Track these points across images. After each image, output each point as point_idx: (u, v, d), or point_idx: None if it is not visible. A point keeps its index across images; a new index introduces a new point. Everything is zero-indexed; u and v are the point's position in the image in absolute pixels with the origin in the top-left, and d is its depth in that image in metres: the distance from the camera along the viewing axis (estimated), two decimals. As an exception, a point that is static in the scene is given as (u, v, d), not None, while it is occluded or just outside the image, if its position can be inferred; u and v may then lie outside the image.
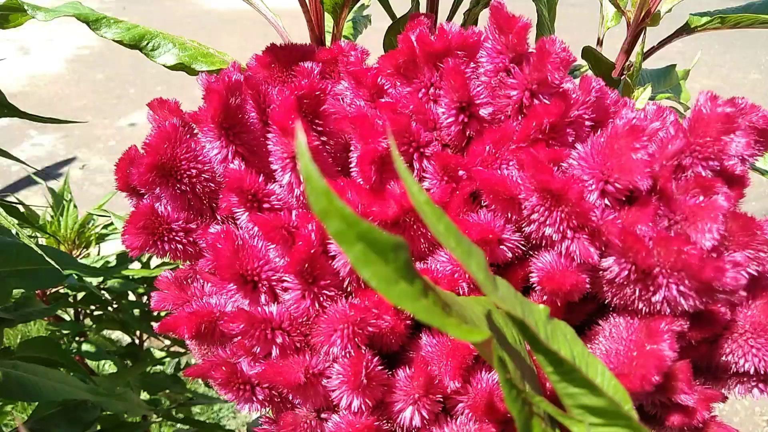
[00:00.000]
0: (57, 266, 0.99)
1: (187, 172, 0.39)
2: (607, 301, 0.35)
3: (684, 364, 0.35)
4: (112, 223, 1.57)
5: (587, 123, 0.36)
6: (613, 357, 0.33)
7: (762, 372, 0.38)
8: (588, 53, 0.52)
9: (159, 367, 1.84)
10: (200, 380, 2.13)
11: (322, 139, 0.38)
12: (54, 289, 1.48)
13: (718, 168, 0.34)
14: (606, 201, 0.33)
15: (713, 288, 0.30)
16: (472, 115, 0.35)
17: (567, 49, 0.36)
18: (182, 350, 1.63)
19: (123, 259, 1.52)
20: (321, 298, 0.34)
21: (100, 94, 4.51)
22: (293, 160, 0.35)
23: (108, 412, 1.38)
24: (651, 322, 0.32)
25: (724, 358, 0.39)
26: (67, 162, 3.86)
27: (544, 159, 0.32)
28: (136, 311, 1.58)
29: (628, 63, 0.54)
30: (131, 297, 1.60)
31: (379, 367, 0.33)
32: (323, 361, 0.34)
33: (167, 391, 1.68)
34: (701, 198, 0.32)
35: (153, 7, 5.84)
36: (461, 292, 0.34)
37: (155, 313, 1.59)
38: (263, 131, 0.40)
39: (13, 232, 1.05)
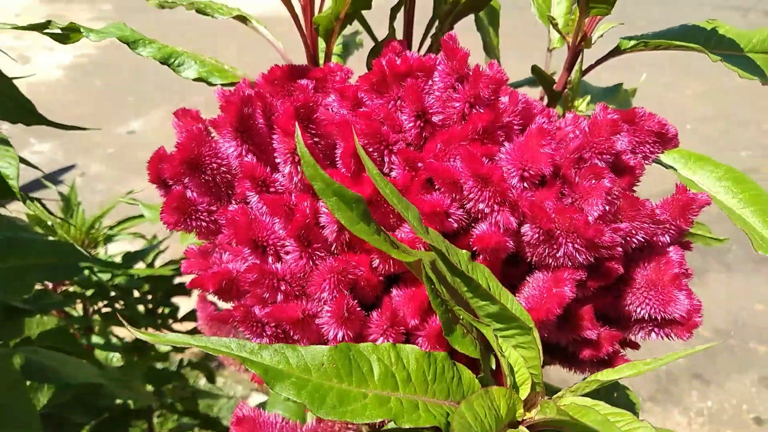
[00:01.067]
0: (79, 260, 1.11)
1: (210, 166, 0.52)
2: (530, 260, 0.48)
3: (588, 308, 0.48)
4: (118, 224, 1.69)
5: (516, 127, 0.49)
6: (531, 299, 0.45)
7: (654, 317, 0.50)
8: (535, 70, 0.65)
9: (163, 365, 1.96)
10: (203, 377, 2.24)
11: (315, 139, 0.50)
12: (64, 288, 1.60)
13: (611, 160, 0.47)
14: (525, 184, 0.45)
15: (596, 244, 0.42)
16: (426, 121, 0.47)
17: (501, 71, 0.49)
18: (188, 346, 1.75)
19: (128, 258, 1.65)
20: (314, 258, 0.46)
21: (98, 102, 4.65)
22: (293, 154, 0.47)
23: (117, 401, 1.48)
24: (558, 272, 0.45)
25: (627, 307, 0.51)
26: (67, 169, 3.99)
27: (477, 153, 0.44)
28: (141, 307, 1.70)
29: (569, 79, 0.67)
30: (136, 295, 1.72)
31: (358, 308, 0.46)
32: (316, 306, 0.47)
33: (171, 385, 1.79)
34: (593, 181, 0.44)
35: (152, 15, 5.99)
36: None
37: (159, 310, 1.71)
38: (269, 134, 0.52)
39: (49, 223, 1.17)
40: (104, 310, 1.62)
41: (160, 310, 1.70)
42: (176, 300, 1.77)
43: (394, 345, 0.35)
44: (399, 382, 0.35)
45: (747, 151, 4.39)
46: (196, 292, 1.86)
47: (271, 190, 0.49)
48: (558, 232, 0.43)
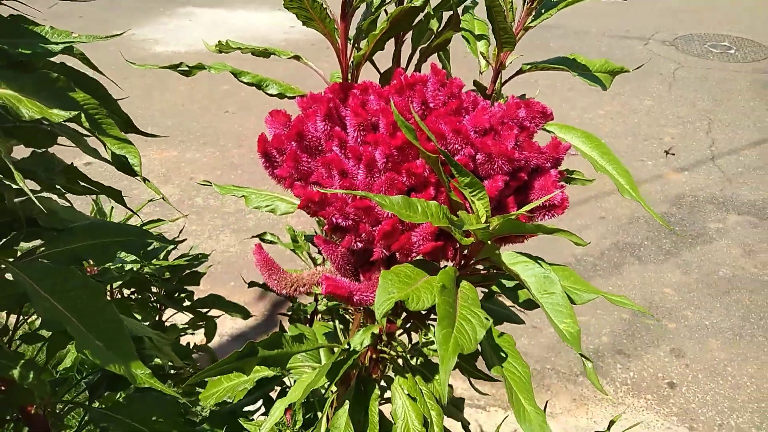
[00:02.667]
0: (147, 238, 1.53)
1: (308, 136, 0.99)
2: (481, 174, 0.97)
3: (511, 198, 0.98)
4: (143, 226, 2.08)
5: (471, 108, 0.99)
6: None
7: (544, 205, 1.01)
8: (475, 83, 1.16)
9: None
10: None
11: (367, 117, 0.98)
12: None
13: (518, 123, 0.97)
14: (477, 134, 0.95)
15: (512, 159, 0.92)
16: (426, 106, 0.97)
17: (461, 81, 0.99)
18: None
19: (148, 254, 2.05)
20: (374, 177, 0.94)
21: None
22: (359, 125, 0.95)
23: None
24: (495, 177, 0.94)
25: (531, 201, 1.02)
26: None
27: (453, 120, 0.94)
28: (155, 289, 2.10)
29: (495, 88, 1.18)
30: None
31: (398, 200, 0.94)
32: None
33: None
34: (509, 131, 0.95)
35: (100, 53, 6.32)
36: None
37: (176, 294, 2.11)
38: (338, 118, 1.01)
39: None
40: (135, 297, 2.02)
41: (176, 295, 2.10)
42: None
43: (425, 200, 0.83)
44: (429, 215, 0.83)
45: (651, 161, 5.14)
46: (203, 280, 2.31)
47: (347, 145, 0.97)
48: (493, 154, 0.92)
